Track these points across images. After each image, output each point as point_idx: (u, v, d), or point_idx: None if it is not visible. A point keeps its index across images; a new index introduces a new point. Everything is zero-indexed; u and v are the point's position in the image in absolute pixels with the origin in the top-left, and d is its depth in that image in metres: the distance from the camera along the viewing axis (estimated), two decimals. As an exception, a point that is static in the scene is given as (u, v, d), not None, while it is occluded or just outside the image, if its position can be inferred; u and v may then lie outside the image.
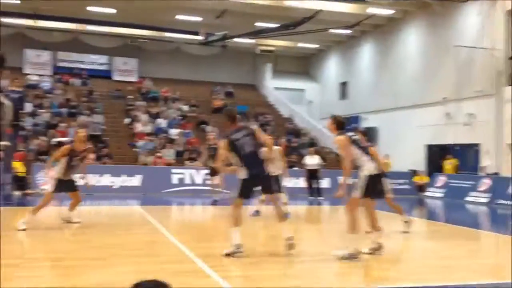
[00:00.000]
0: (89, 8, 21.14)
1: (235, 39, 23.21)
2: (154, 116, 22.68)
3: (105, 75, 27.05)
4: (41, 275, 5.47)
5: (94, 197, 14.92)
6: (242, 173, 6.66)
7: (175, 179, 17.32)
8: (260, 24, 22.63)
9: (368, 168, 6.46)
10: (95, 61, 27.26)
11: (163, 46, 26.90)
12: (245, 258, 6.48)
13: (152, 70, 27.41)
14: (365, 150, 6.62)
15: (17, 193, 14.92)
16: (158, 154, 18.93)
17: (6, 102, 12.80)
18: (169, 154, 19.15)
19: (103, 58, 27.28)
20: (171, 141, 20.36)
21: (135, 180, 16.95)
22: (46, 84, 24.18)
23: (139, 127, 21.33)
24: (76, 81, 25.50)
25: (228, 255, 6.32)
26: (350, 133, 6.66)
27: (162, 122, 22.14)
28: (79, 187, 9.19)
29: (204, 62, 27.91)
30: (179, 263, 6.19)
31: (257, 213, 10.83)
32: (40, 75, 24.96)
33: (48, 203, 8.83)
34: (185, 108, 24.36)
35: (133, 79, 27.10)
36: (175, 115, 23.23)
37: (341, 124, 6.63)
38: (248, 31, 21.73)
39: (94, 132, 20.37)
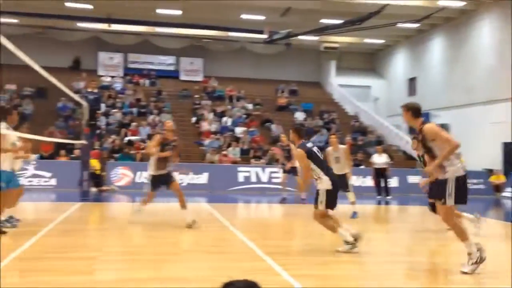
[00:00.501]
0: (158, 11, 21.83)
1: (299, 37, 23.09)
2: (220, 115, 23.07)
3: (173, 75, 27.84)
4: (119, 268, 5.72)
5: (163, 194, 15.41)
6: (325, 184, 6.62)
7: (241, 177, 17.54)
8: (324, 21, 22.40)
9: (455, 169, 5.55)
10: (163, 62, 28.12)
11: (227, 46, 27.29)
12: (315, 257, 6.46)
13: (217, 70, 27.88)
14: None
15: (93, 189, 15.71)
16: (224, 152, 19.24)
17: (84, 103, 13.50)
18: (234, 152, 19.41)
19: (170, 59, 28.09)
20: (237, 139, 20.62)
21: (202, 178, 17.33)
22: (118, 85, 25.25)
23: (205, 126, 21.78)
24: (146, 82, 26.43)
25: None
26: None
27: (227, 121, 22.48)
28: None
29: (268, 60, 28.03)
30: (249, 260, 6.26)
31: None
32: (112, 77, 26.11)
33: (150, 201, 9.13)
34: (250, 106, 24.58)
35: (199, 78, 27.70)
36: (240, 113, 23.50)
37: (418, 111, 5.78)
38: (313, 28, 21.55)
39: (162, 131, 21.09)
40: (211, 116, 22.77)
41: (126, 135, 19.99)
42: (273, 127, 22.61)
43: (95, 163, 16.04)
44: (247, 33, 23.69)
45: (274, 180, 17.24)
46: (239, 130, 21.47)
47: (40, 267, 5.54)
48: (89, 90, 21.81)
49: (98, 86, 23.60)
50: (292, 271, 5.50)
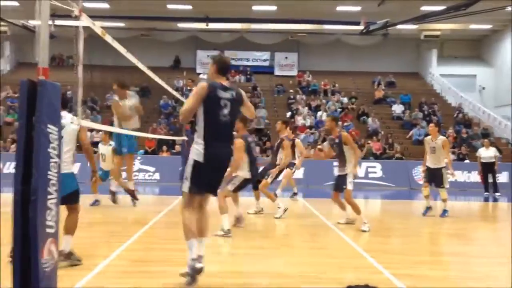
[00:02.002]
0: (253, 8, 22.12)
1: (398, 26, 22.20)
2: (314, 109, 22.92)
3: (268, 70, 28.12)
4: (220, 261, 5.88)
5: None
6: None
7: (337, 171, 17.26)
8: (425, 8, 21.31)
9: None
10: (259, 58, 28.49)
11: (322, 39, 26.98)
12: (414, 257, 6.20)
13: (312, 63, 27.68)
14: None
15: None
16: (319, 147, 19.04)
17: (184, 100, 13.99)
18: (301, 149, 19.15)
19: (265, 55, 28.38)
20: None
21: (298, 173, 17.29)
22: (215, 82, 26.04)
23: (300, 120, 21.75)
24: (241, 78, 26.97)
25: None
26: None
27: (322, 115, 22.26)
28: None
29: (364, 52, 27.27)
30: (349, 257, 6.15)
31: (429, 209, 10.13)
32: (209, 74, 26.98)
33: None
34: (345, 100, 24.14)
35: (294, 73, 27.70)
36: (334, 107, 23.17)
37: None
38: (412, 16, 20.60)
39: (258, 126, 21.40)
40: (305, 110, 22.69)
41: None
42: (370, 120, 22.02)
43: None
44: (343, 25, 23.26)
45: (371, 175, 16.79)
46: (334, 124, 21.15)
47: (149, 257, 5.85)
48: (188, 88, 22.76)
49: (196, 84, 24.49)
50: (394, 270, 5.31)
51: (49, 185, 3.81)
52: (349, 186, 8.28)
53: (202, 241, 4.79)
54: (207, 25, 23.52)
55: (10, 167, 16.34)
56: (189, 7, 22.10)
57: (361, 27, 22.42)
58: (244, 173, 8.00)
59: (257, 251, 6.37)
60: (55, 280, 3.88)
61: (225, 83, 4.77)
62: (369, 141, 19.53)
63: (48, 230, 3.78)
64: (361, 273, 5.31)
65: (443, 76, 26.93)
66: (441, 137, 10.18)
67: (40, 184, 3.72)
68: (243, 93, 4.94)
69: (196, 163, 4.62)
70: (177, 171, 15.32)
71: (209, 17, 22.44)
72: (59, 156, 3.92)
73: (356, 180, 8.76)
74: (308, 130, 20.86)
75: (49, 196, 3.80)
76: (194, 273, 4.62)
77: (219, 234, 7.13)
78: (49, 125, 3.79)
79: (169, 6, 21.96)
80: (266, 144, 19.62)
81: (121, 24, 24.05)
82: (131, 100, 10.07)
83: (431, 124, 10.87)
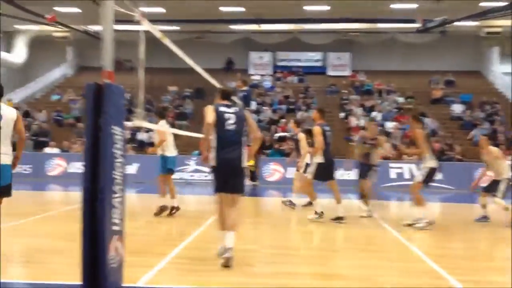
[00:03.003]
0: (305, 8, 22.01)
1: (456, 23, 21.43)
2: (369, 110, 22.49)
3: (320, 71, 27.87)
4: (276, 262, 5.87)
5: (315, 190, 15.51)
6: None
7: (393, 173, 16.91)
8: (484, 4, 20.45)
9: None
10: (311, 58, 28.30)
11: (376, 38, 26.44)
12: (481, 262, 5.94)
13: (365, 63, 27.20)
14: None
15: (248, 183, 16.47)
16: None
17: (237, 101, 14.13)
18: (385, 147, 18.74)
19: (318, 55, 28.15)
20: (387, 134, 19.89)
21: (353, 174, 17.04)
22: (267, 83, 26.10)
23: (353, 121, 21.42)
24: (294, 79, 26.89)
25: None
26: None
27: (377, 115, 21.81)
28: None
29: (420, 50, 26.48)
30: (409, 261, 5.98)
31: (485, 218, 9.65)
32: (261, 75, 27.07)
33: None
34: (401, 100, 23.54)
35: (347, 73, 27.31)
36: (390, 107, 22.65)
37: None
38: (471, 13, 19.82)
39: (311, 127, 21.26)
40: (359, 111, 22.32)
41: (276, 132, 20.56)
42: (427, 121, 21.35)
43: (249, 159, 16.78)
44: (398, 23, 22.70)
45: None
46: (389, 125, 20.70)
47: (207, 256, 5.92)
48: (241, 88, 22.90)
49: (248, 85, 24.64)
50: (459, 276, 5.10)
51: (114, 184, 3.93)
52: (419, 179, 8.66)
53: (230, 234, 5.44)
54: (259, 27, 23.62)
55: (72, 167, 17.08)
56: (242, 9, 22.27)
57: (417, 25, 21.81)
58: (317, 158, 8.84)
59: (316, 253, 6.31)
60: (121, 276, 4.01)
61: (228, 103, 5.83)
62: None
63: (114, 227, 3.90)
64: (423, 278, 5.15)
65: (506, 75, 25.69)
66: (492, 149, 9.68)
67: (106, 183, 3.85)
68: (246, 112, 5.93)
69: (213, 167, 5.60)
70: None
71: (261, 18, 22.52)
72: (123, 156, 4.04)
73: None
74: (362, 131, 20.47)
75: (114, 195, 3.93)
76: (225, 262, 5.34)
77: (312, 218, 8.60)
78: (114, 126, 3.92)
79: (222, 9, 22.22)
80: (319, 145, 19.46)
81: (176, 28, 24.57)
82: None
83: (481, 137, 10.43)
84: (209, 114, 5.61)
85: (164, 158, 9.14)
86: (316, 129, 8.83)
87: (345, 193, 13.96)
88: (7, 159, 5.42)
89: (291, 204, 10.73)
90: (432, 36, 24.47)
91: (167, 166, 9.15)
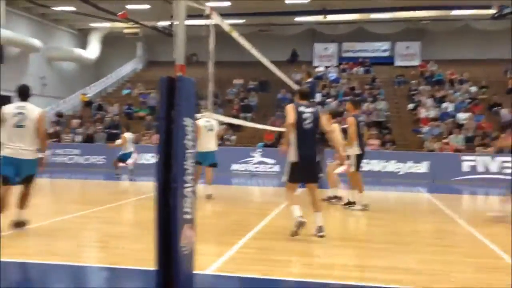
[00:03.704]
0: (375, -3, 21.43)
1: (536, 8, 20.11)
2: (439, 100, 21.63)
3: (388, 61, 27.08)
4: (346, 254, 5.81)
5: (380, 183, 15.22)
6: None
7: (465, 166, 16.19)
8: None
9: None
10: (378, 48, 27.58)
11: (448, 26, 25.32)
12: None
13: (436, 52, 26.13)
14: None
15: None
16: (445, 140, 18.02)
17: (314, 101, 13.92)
18: (457, 139, 18.00)
19: (385, 45, 27.38)
20: (459, 126, 19.07)
21: (422, 167, 16.54)
22: (332, 74, 25.75)
23: (423, 112, 20.70)
24: (360, 70, 26.35)
25: None
26: None
27: (448, 106, 20.94)
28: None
29: (496, 38, 25.03)
30: (483, 257, 5.72)
31: None
32: (326, 67, 26.74)
33: None
34: (474, 90, 22.45)
35: (416, 63, 26.36)
36: (462, 98, 21.66)
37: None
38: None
39: (377, 119, 20.77)
40: (429, 102, 21.52)
41: (341, 124, 20.25)
42: (503, 111, 20.25)
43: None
44: (472, 9, 21.63)
45: (506, 171, 15.46)
46: (462, 116, 19.80)
47: (274, 246, 5.98)
48: (304, 80, 22.78)
49: (313, 76, 24.44)
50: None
51: (186, 174, 4.05)
52: None
53: (318, 214, 6.47)
54: (324, 17, 23.31)
55: (142, 158, 17.72)
56: (307, 0, 22.07)
57: (493, 11, 20.69)
58: (354, 149, 8.92)
59: (383, 246, 6.19)
60: (193, 263, 4.14)
61: (307, 103, 6.48)
62: (503, 134, 17.96)
63: (186, 216, 4.03)
64: (500, 275, 4.91)
65: None
66: None
67: (178, 173, 3.97)
68: (321, 112, 6.95)
69: (292, 162, 6.38)
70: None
71: (326, 9, 22.21)
72: (194, 147, 4.15)
73: (489, 176, 8.37)
74: (432, 122, 19.77)
75: (185, 185, 4.04)
76: (298, 226, 6.25)
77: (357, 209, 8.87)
78: (185, 118, 4.03)
79: (287, 1, 22.13)
80: (386, 137, 18.98)
81: (240, 21, 24.78)
82: None
83: None
84: (291, 114, 6.25)
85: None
86: (350, 120, 8.89)
87: (414, 187, 13.59)
88: (29, 155, 6.18)
89: (337, 199, 10.13)
90: (508, 23, 23.07)
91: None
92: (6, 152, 6.12)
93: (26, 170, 6.22)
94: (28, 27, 24.63)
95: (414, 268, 5.12)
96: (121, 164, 14.28)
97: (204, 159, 9.80)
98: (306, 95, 6.57)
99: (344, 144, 9.11)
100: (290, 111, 6.27)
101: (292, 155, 6.33)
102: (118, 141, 14.32)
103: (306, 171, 6.38)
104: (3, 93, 23.17)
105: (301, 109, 6.32)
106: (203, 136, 9.72)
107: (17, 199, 6.35)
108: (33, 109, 6.25)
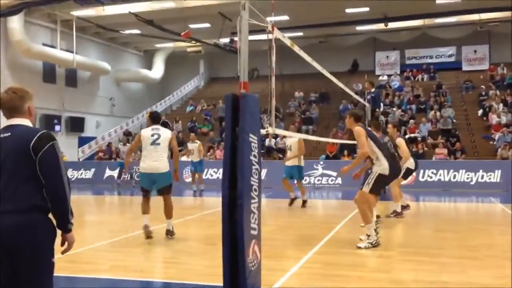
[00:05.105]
0: (437, 1, 20.81)
1: None
2: (511, 105, 20.57)
3: (454, 66, 26.17)
4: (416, 269, 5.59)
5: (450, 193, 14.62)
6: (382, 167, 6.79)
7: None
8: None
9: None
10: (443, 54, 26.72)
11: (518, 27, 24.09)
12: None
13: (505, 55, 24.88)
14: None
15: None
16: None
17: (366, 104, 14.01)
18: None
19: (451, 50, 26.48)
20: (533, 131, 18.01)
21: (495, 176, 15.72)
22: (395, 82, 25.16)
23: (494, 118, 19.74)
24: (424, 76, 25.58)
25: None
26: None
27: (521, 111, 19.86)
28: None
29: None
30: None
31: None
32: (389, 75, 26.17)
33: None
34: (549, 92, 21.17)
35: (485, 67, 25.30)
36: (537, 101, 20.48)
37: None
38: None
39: (445, 127, 20.01)
40: (501, 107, 20.50)
41: (405, 133, 19.73)
42: None
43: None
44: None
45: None
46: (536, 121, 18.72)
47: (340, 261, 5.89)
48: (367, 90, 22.39)
49: (375, 86, 23.99)
50: None
51: (252, 190, 4.09)
52: None
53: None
54: (386, 25, 22.89)
55: (206, 173, 18.03)
56: (367, 8, 21.78)
57: None
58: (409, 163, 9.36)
59: (455, 260, 5.93)
60: (259, 279, 4.16)
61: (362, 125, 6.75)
62: None
63: (252, 232, 4.06)
64: None
65: None
66: None
67: (244, 189, 4.02)
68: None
69: (384, 175, 6.66)
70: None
71: (388, 16, 21.80)
72: (259, 162, 4.19)
73: None
74: (505, 128, 18.79)
75: (252, 200, 4.09)
76: (374, 243, 6.42)
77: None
78: (251, 134, 4.09)
79: (347, 10, 21.95)
80: (455, 145, 18.23)
81: (299, 34, 24.84)
82: None
83: None
84: (364, 140, 6.44)
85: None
86: (400, 141, 9.28)
87: (486, 197, 12.96)
88: (165, 167, 7.24)
89: (398, 214, 9.77)
90: None
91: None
92: (142, 167, 7.25)
93: (164, 180, 7.29)
94: (97, 51, 26.02)
95: (490, 283, 4.86)
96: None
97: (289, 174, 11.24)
98: (359, 119, 6.80)
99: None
100: (362, 137, 6.48)
101: (385, 169, 6.63)
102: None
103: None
104: (77, 115, 24.58)
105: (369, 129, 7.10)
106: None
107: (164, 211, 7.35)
108: (165, 130, 7.36)
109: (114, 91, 27.61)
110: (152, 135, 7.16)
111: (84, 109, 24.97)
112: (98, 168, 20.50)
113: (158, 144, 7.11)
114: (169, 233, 7.33)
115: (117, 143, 23.56)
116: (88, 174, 20.40)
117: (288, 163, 11.27)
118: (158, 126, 7.31)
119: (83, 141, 23.97)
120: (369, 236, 6.49)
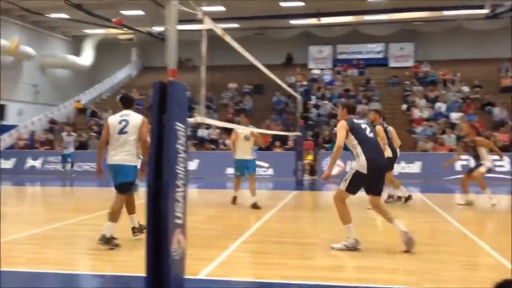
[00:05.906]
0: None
1: (529, 7, 20.23)
2: (433, 101, 21.77)
3: (382, 62, 27.24)
4: (338, 255, 5.82)
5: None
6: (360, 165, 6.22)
7: (458, 166, 16.25)
8: (560, -15, 19.17)
9: None
10: (372, 50, 27.71)
11: (441, 26, 25.48)
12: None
13: (430, 53, 26.29)
14: None
15: (307, 178, 16.43)
16: (439, 140, 18.12)
17: (298, 96, 14.27)
18: (450, 139, 18.09)
19: (379, 46, 27.52)
20: (452, 125, 19.18)
21: (415, 167, 16.62)
22: (327, 76, 25.84)
23: (417, 113, 20.81)
24: (354, 72, 26.44)
25: None
26: None
27: (441, 106, 21.07)
28: None
29: (489, 37, 25.22)
30: (474, 256, 5.79)
31: None
32: (321, 69, 26.82)
33: None
34: (467, 89, 22.58)
35: (410, 64, 26.52)
36: (455, 98, 21.79)
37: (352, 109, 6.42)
38: (545, -5, 18.67)
39: (372, 120, 20.85)
40: (423, 102, 21.65)
41: (335, 126, 20.32)
42: (496, 110, 20.39)
43: (308, 154, 16.74)
44: (465, 10, 21.75)
45: (497, 169, 15.53)
46: (454, 116, 19.93)
47: (268, 250, 6.01)
48: (301, 83, 22.89)
49: (307, 79, 24.56)
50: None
51: (177, 178, 4.07)
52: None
53: (398, 221, 6.08)
54: (319, 20, 23.39)
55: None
56: (301, 3, 22.14)
57: (486, 11, 20.82)
58: (387, 152, 9.33)
59: (377, 246, 6.22)
60: (183, 268, 4.16)
61: (356, 117, 6.29)
62: (495, 133, 18.08)
63: (177, 220, 4.05)
64: (490, 273, 4.96)
65: None
66: None
67: (170, 178, 4.00)
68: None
69: (362, 173, 5.96)
70: (290, 166, 15.50)
71: (320, 11, 22.29)
72: (186, 151, 4.17)
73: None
74: (425, 122, 19.88)
75: (177, 189, 4.07)
76: (351, 246, 5.93)
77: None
78: (177, 123, 4.06)
79: (282, 4, 22.21)
80: (381, 138, 19.06)
81: (235, 25, 24.84)
82: None
83: None
84: (340, 134, 6.02)
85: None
86: (379, 128, 9.42)
87: (406, 186, 13.63)
88: (130, 160, 6.19)
89: (402, 199, 10.47)
90: (502, 22, 23.21)
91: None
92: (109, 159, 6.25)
93: (125, 175, 6.25)
94: (21, 35, 24.63)
95: (406, 268, 5.16)
96: None
97: (243, 168, 10.00)
98: (353, 109, 6.40)
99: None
100: (341, 129, 6.00)
101: (362, 167, 5.93)
102: None
103: (376, 183, 6.08)
104: (-2, 101, 23.19)
105: (357, 121, 6.15)
106: (240, 144, 10.01)
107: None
108: (135, 116, 6.29)
109: (38, 78, 26.31)
110: (120, 122, 6.20)
111: (5, 95, 23.61)
112: (19, 158, 19.54)
113: (126, 132, 6.15)
114: (136, 230, 6.57)
115: (40, 131, 22.52)
116: (8, 164, 19.38)
117: (244, 156, 10.04)
118: (128, 112, 6.29)
119: (4, 130, 22.70)
120: (347, 238, 6.05)
